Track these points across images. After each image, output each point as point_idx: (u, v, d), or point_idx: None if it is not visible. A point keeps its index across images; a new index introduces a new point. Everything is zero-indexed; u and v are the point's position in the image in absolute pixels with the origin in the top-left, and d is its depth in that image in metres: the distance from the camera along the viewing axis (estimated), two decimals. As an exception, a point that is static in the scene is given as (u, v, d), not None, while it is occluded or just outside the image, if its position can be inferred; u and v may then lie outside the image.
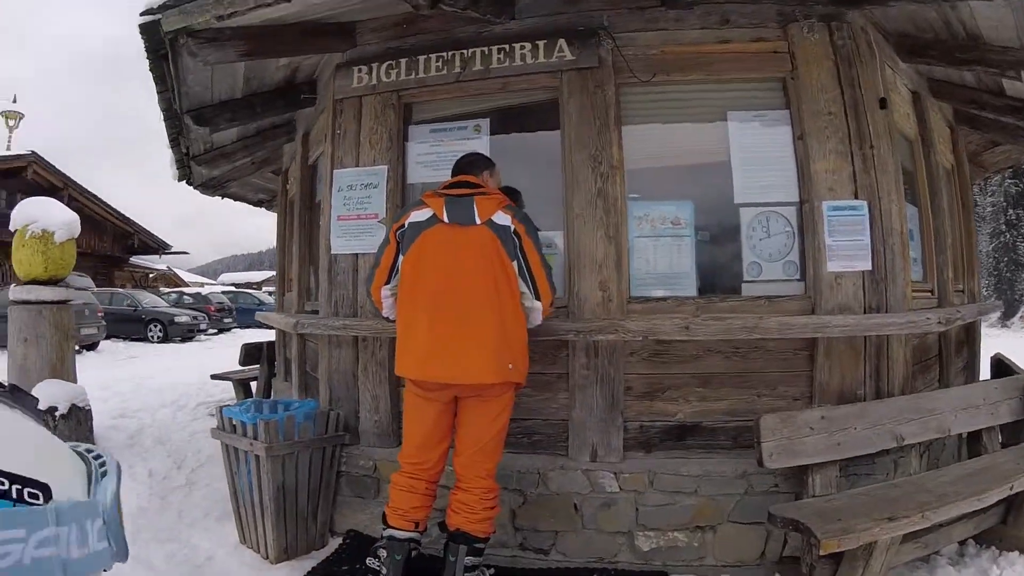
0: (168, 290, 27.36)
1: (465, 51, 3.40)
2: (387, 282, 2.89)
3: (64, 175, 24.12)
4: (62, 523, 0.55)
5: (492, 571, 2.88)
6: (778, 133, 3.19)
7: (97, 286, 21.25)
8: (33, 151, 22.94)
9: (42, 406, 4.16)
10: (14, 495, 0.54)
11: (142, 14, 3.11)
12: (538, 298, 2.76)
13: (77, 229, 5.12)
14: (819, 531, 2.21)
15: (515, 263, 2.70)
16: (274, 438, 3.07)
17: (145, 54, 3.43)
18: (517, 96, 3.49)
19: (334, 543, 3.38)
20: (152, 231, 29.02)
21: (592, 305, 3.13)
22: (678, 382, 3.12)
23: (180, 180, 6.16)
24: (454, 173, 2.96)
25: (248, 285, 38.32)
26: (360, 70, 3.61)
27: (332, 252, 3.69)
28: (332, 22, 3.49)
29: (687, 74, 3.21)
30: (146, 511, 3.55)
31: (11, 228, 5.04)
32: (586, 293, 3.15)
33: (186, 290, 27.85)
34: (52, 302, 4.92)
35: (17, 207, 5.14)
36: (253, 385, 6.66)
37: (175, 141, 4.97)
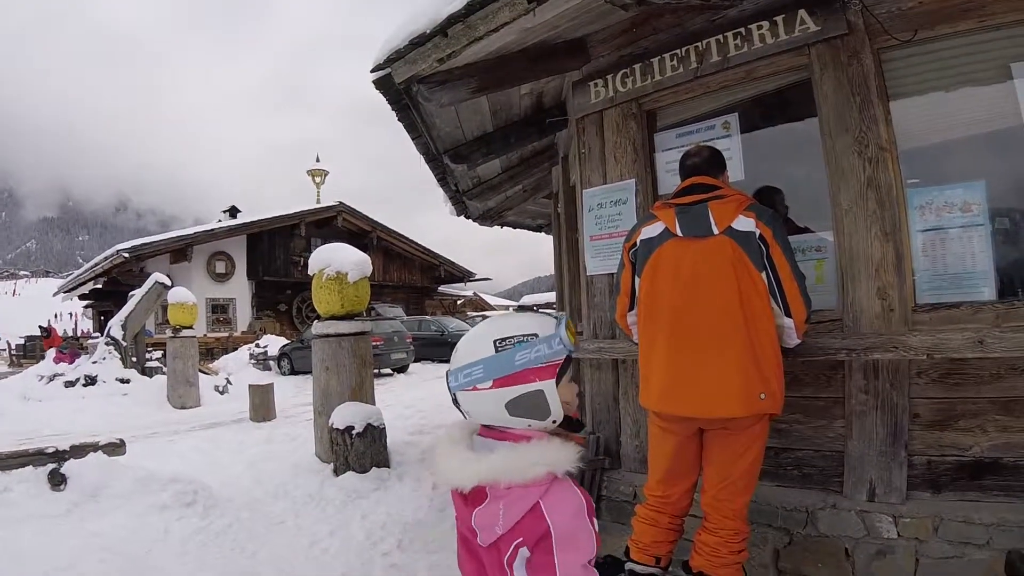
0: (474, 314, 31.21)
1: (699, 44, 3.52)
2: (631, 308, 2.97)
3: (370, 219, 29.84)
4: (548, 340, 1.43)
5: None
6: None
7: (409, 315, 25.59)
8: (341, 201, 29.00)
9: (340, 426, 5.33)
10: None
11: (372, 71, 3.77)
12: (788, 314, 2.62)
13: (368, 269, 6.36)
14: None
15: (764, 274, 2.58)
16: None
17: (389, 106, 4.18)
18: (763, 83, 3.50)
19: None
20: (458, 261, 33.97)
21: (870, 317, 3.00)
22: (973, 408, 2.82)
23: (458, 215, 7.27)
24: (684, 175, 2.90)
25: (548, 305, 41.63)
26: (596, 84, 3.97)
27: (588, 273, 4.07)
28: (559, 41, 3.89)
29: (954, 24, 2.90)
30: (423, 523, 4.29)
31: (309, 272, 6.40)
32: (862, 303, 3.03)
33: (488, 313, 31.41)
34: (350, 334, 6.12)
35: (313, 254, 6.51)
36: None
37: (443, 180, 5.92)
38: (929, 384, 2.93)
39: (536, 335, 1.43)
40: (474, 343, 1.46)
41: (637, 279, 2.88)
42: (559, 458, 1.38)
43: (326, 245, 6.71)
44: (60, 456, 5.25)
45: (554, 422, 1.45)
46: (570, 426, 1.51)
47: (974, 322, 2.80)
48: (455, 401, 1.48)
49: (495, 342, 1.43)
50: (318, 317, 6.38)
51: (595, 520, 1.42)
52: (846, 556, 2.95)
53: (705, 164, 2.88)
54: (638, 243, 2.88)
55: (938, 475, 2.92)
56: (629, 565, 2.91)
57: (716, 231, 2.62)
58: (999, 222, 2.91)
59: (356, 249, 6.57)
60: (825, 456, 3.19)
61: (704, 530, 2.74)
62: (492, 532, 1.39)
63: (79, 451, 5.37)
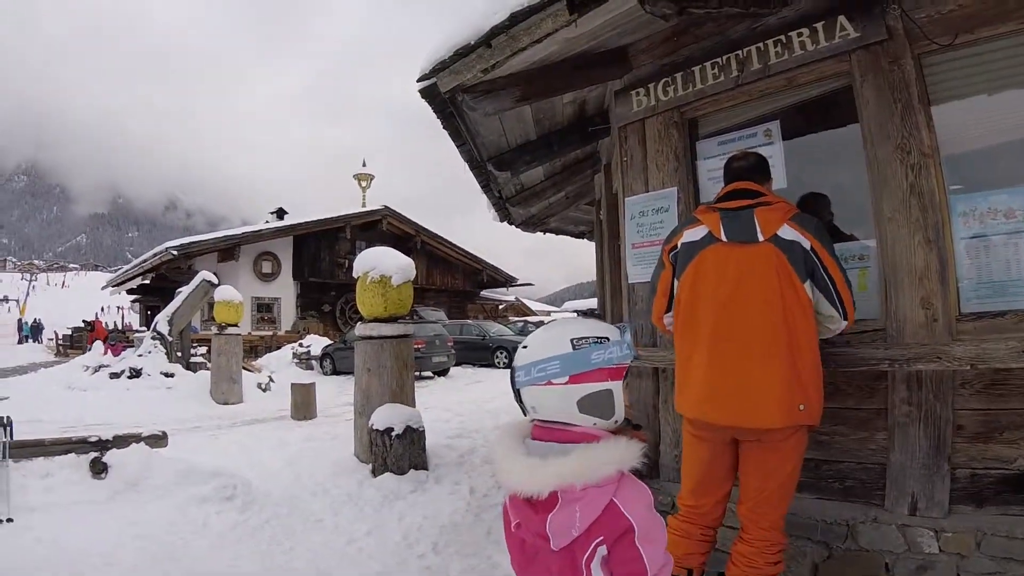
0: (516, 319, 31.30)
1: (740, 52, 3.52)
2: (667, 310, 2.95)
3: (415, 223, 30.27)
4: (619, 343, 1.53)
5: None
6: None
7: (451, 318, 25.80)
8: (386, 205, 29.49)
9: (380, 427, 5.43)
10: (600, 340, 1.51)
11: (418, 80, 3.85)
12: (844, 316, 2.62)
13: (412, 273, 6.47)
14: None
15: (807, 284, 2.58)
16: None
17: (434, 115, 4.27)
18: (804, 90, 3.47)
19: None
20: (500, 266, 34.16)
21: (914, 327, 2.94)
22: (1018, 420, 2.74)
23: (501, 221, 7.34)
24: (728, 179, 2.92)
25: (591, 311, 41.54)
26: (638, 93, 3.98)
27: (629, 281, 4.08)
28: (601, 51, 3.92)
29: (995, 27, 2.84)
30: (458, 526, 4.34)
31: (354, 275, 6.55)
32: (905, 312, 2.98)
33: (531, 318, 31.50)
34: (392, 336, 6.23)
35: (358, 257, 6.66)
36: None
37: (486, 187, 5.99)
38: (973, 395, 2.87)
39: (608, 339, 1.53)
40: (550, 340, 1.53)
41: (676, 281, 2.87)
42: (628, 455, 1.44)
43: (371, 249, 6.86)
44: (103, 445, 5.42)
45: (616, 422, 1.53)
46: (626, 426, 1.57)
47: (1019, 331, 2.73)
48: (518, 396, 1.56)
49: (572, 340, 1.51)
50: (361, 319, 6.50)
51: None
52: (886, 571, 2.90)
53: (751, 169, 2.89)
54: (679, 246, 2.86)
55: (981, 489, 2.85)
56: None
57: (761, 238, 2.62)
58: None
59: (400, 253, 6.69)
60: (867, 468, 3.14)
61: (741, 541, 2.71)
62: (568, 535, 1.42)
63: (122, 441, 5.54)
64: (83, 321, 27.53)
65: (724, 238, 2.69)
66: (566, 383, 1.49)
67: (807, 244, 2.57)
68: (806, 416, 2.55)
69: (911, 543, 2.87)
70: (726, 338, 2.63)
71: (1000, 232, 2.87)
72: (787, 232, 2.59)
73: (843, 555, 3.03)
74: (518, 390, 1.55)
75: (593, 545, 1.41)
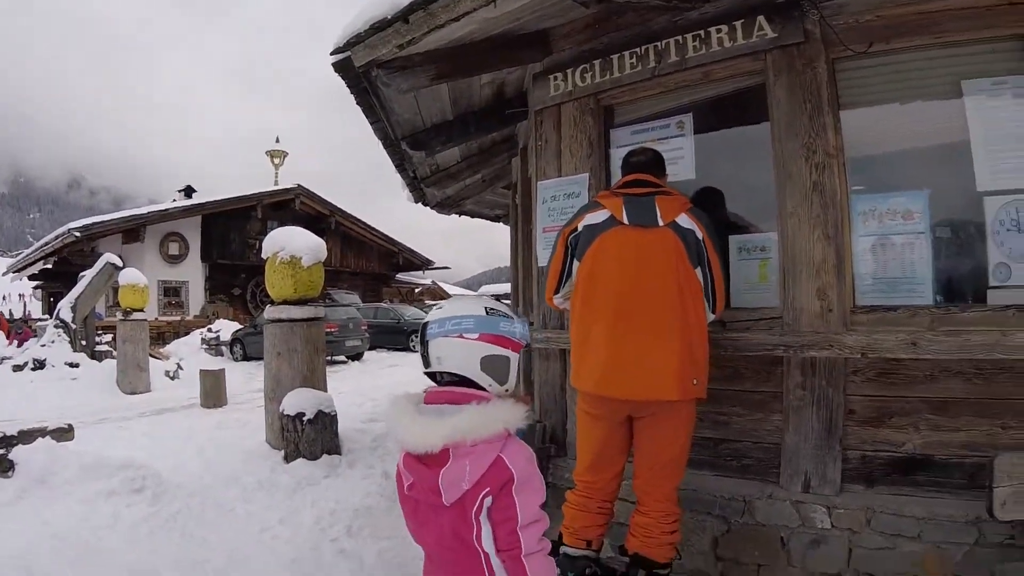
0: (431, 302, 31.04)
1: (659, 43, 3.55)
2: (557, 291, 3.07)
3: (329, 203, 29.36)
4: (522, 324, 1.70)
5: None
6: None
7: (365, 301, 25.31)
8: (299, 184, 28.46)
9: (291, 412, 5.27)
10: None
11: (332, 53, 3.74)
12: (713, 310, 2.85)
13: (323, 253, 6.20)
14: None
15: (698, 270, 2.76)
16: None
17: (348, 90, 4.15)
18: (719, 86, 3.55)
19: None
20: (417, 249, 33.70)
21: (810, 316, 3.09)
22: (908, 407, 2.93)
23: (416, 202, 7.23)
24: (627, 171, 3.05)
25: (506, 295, 41.72)
26: (556, 77, 3.97)
27: (540, 264, 4.07)
28: (521, 33, 3.89)
29: (910, 39, 2.99)
30: (372, 509, 4.28)
31: (263, 256, 6.25)
32: (802, 303, 3.12)
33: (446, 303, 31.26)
34: (303, 320, 5.99)
35: (267, 237, 6.35)
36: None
37: (401, 167, 5.87)
38: (865, 382, 3.03)
39: (513, 318, 1.71)
40: (466, 305, 1.72)
41: (576, 263, 2.96)
42: (515, 416, 1.58)
43: (281, 228, 6.57)
44: (7, 442, 5.05)
45: (507, 390, 1.69)
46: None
47: (910, 325, 2.90)
48: (425, 347, 1.69)
49: (486, 308, 1.69)
50: (271, 302, 6.27)
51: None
52: (782, 545, 3.04)
53: (649, 164, 3.05)
54: (580, 228, 2.94)
55: (872, 470, 3.02)
56: (563, 549, 2.97)
57: (661, 223, 2.76)
58: (939, 231, 3.01)
59: (311, 233, 6.45)
60: (763, 448, 3.29)
61: (638, 512, 2.86)
62: (459, 488, 1.53)
63: (27, 436, 5.18)
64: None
65: (626, 221, 2.80)
66: (476, 339, 1.64)
67: (700, 234, 2.76)
68: (698, 390, 2.72)
69: (805, 519, 3.01)
70: (627, 316, 2.75)
71: (897, 232, 3.04)
72: (684, 221, 2.77)
73: (741, 529, 3.16)
74: (427, 342, 1.69)
75: (480, 497, 1.55)
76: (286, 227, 6.64)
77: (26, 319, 23.84)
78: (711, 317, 2.87)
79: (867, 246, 3.10)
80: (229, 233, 26.71)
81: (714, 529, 3.22)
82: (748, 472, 3.31)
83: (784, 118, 3.22)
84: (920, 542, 2.76)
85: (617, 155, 3.87)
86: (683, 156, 3.64)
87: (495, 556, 1.57)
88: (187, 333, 20.60)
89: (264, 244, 6.34)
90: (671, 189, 2.96)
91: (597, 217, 2.89)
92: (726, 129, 3.72)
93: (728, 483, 3.29)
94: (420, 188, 6.77)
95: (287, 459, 5.36)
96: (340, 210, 29.81)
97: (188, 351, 17.65)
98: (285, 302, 6.08)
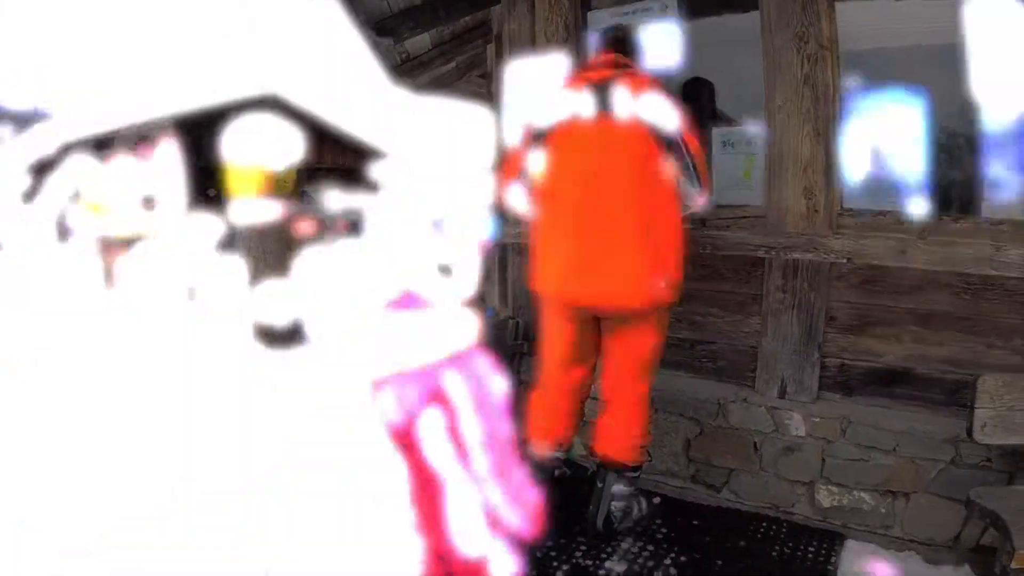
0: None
1: (641, -88, 3.19)
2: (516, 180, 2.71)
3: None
4: None
5: (658, 499, 2.99)
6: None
7: None
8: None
9: None
10: None
11: None
12: (700, 192, 2.53)
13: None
14: (1019, 537, 1.96)
15: (672, 156, 2.45)
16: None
17: None
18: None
19: (507, 453, 3.84)
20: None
21: (795, 216, 2.96)
22: (891, 317, 2.88)
23: (386, 92, 6.73)
24: (599, 50, 2.73)
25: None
26: (531, -45, 3.55)
27: None
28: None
29: None
30: None
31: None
32: (788, 202, 2.97)
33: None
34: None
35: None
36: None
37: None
38: (848, 289, 2.96)
39: None
40: None
41: (535, 157, 2.64)
42: None
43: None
44: None
45: None
46: None
47: (899, 232, 2.80)
48: None
49: None
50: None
51: None
52: (754, 449, 3.06)
53: (617, 41, 2.69)
54: (542, 118, 2.65)
55: (850, 379, 3.02)
56: (531, 450, 2.84)
57: (624, 109, 2.45)
58: (935, 137, 2.86)
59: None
60: (739, 351, 3.25)
61: (605, 414, 2.74)
62: None
63: None
64: None
65: (588, 111, 2.50)
66: None
67: (667, 114, 2.44)
68: (667, 293, 2.52)
69: (779, 424, 3.01)
70: (590, 216, 2.50)
71: (891, 134, 2.85)
72: (651, 104, 2.44)
73: (714, 431, 3.16)
74: None
75: None
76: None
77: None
78: (699, 202, 2.57)
79: (858, 146, 2.91)
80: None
81: (687, 431, 3.22)
82: (723, 375, 3.29)
83: (775, 5, 2.93)
84: (895, 456, 2.77)
85: (594, 41, 3.57)
86: (667, 42, 3.32)
87: None
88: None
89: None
90: (638, 70, 2.62)
91: (561, 106, 2.58)
92: (715, 16, 3.39)
93: (703, 385, 3.27)
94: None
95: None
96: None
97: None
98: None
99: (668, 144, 2.43)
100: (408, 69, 5.85)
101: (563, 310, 2.69)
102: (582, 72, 2.64)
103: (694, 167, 2.47)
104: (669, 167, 2.46)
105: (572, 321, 2.69)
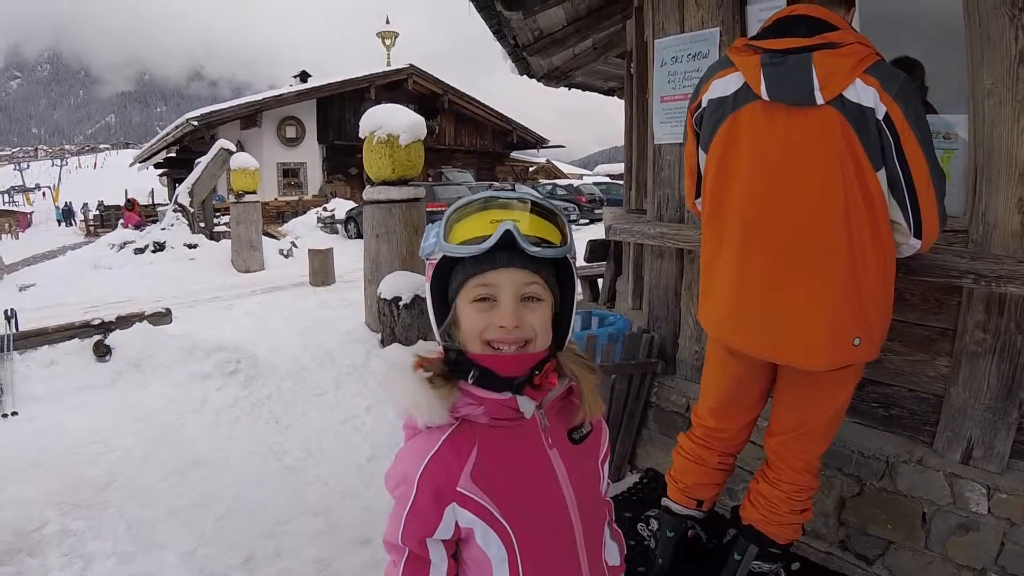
0: (546, 182, 30.38)
1: None
2: (698, 193, 2.21)
3: (442, 82, 29.85)
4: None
5: (797, 565, 2.48)
6: None
7: (479, 180, 25.48)
8: (411, 64, 28.77)
9: (387, 296, 5.21)
10: None
11: None
12: (918, 235, 1.84)
13: (422, 131, 5.93)
14: None
15: (882, 172, 1.78)
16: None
17: None
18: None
19: (631, 479, 3.42)
20: (532, 127, 33.27)
21: (1004, 234, 2.23)
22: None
23: (520, 74, 6.55)
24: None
25: (620, 177, 40.09)
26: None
27: (656, 142, 3.43)
28: None
29: None
30: None
31: (360, 135, 6.03)
32: (996, 215, 2.25)
33: (559, 181, 30.56)
34: (401, 200, 5.84)
35: (364, 115, 6.12)
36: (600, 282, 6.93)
37: (499, 33, 5.21)
38: (1067, 333, 2.23)
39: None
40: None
41: (703, 155, 2.11)
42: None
43: (379, 106, 6.31)
44: (106, 328, 5.33)
45: (440, 345, 1.12)
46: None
47: None
48: None
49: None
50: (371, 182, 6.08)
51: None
52: (923, 522, 2.43)
53: None
54: (704, 102, 2.04)
55: (1051, 449, 2.30)
56: (666, 502, 2.47)
57: (821, 99, 1.76)
58: None
59: (409, 110, 6.17)
60: (920, 399, 2.60)
61: (765, 480, 2.23)
62: None
63: (125, 322, 5.43)
64: (126, 200, 27.08)
65: (765, 95, 1.85)
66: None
67: (885, 112, 1.72)
68: (862, 352, 1.92)
69: (957, 496, 2.36)
70: (761, 241, 1.93)
71: None
72: (859, 92, 1.73)
73: (876, 494, 2.56)
74: None
75: None
76: (384, 105, 6.38)
77: (155, 206, 25.55)
78: (911, 247, 1.91)
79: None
80: (344, 115, 27.59)
81: (844, 489, 2.65)
82: (895, 425, 2.66)
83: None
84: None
85: (755, 7, 2.99)
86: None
87: None
88: (304, 212, 21.49)
89: (361, 123, 6.12)
90: (850, 34, 1.82)
91: (726, 85, 1.95)
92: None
93: (870, 435, 2.66)
94: (523, 57, 6.07)
95: (383, 343, 5.37)
96: (453, 88, 30.14)
97: (304, 229, 18.55)
98: (384, 183, 5.93)
99: (878, 154, 1.78)
100: (542, 47, 5.61)
101: (725, 347, 2.19)
102: (759, 36, 1.98)
103: (911, 190, 1.79)
104: (881, 183, 1.81)
105: (738, 360, 2.18)
